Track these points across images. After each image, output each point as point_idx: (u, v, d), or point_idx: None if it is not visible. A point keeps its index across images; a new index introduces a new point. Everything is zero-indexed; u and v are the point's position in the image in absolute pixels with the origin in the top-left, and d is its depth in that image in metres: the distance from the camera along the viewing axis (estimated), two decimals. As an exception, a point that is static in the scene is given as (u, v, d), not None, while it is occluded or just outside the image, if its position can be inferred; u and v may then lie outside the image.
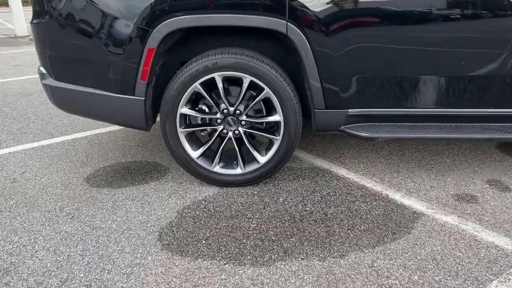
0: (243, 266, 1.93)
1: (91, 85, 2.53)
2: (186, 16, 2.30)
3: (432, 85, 2.41)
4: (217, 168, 2.63)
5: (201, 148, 2.60)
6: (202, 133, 2.68)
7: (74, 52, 2.49)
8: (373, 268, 1.89)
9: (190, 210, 2.40)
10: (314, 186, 2.65)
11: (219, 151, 2.60)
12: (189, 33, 2.56)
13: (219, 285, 1.81)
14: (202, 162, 2.62)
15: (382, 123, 2.56)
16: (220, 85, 2.45)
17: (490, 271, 1.86)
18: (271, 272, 1.88)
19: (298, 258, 1.97)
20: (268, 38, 2.60)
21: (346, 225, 2.22)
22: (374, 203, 2.43)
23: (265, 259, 1.97)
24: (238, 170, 2.62)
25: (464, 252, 1.98)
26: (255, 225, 2.24)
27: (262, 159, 2.58)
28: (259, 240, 2.11)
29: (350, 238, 2.10)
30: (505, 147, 3.21)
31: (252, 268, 1.91)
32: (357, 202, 2.44)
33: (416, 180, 2.70)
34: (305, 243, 2.07)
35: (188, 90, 2.45)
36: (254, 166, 2.61)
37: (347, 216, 2.30)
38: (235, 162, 2.67)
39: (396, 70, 2.39)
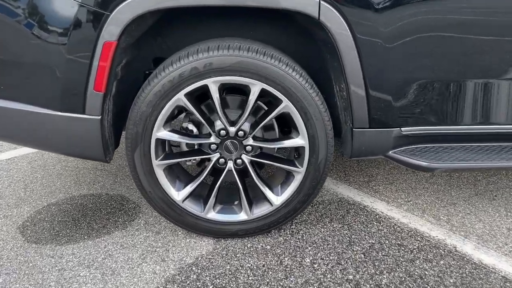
0: None
1: (21, 98, 1.65)
2: (164, -9, 1.46)
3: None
4: (212, 214, 1.82)
5: (188, 187, 1.78)
6: (188, 163, 1.86)
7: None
8: None
9: (176, 286, 1.60)
10: (349, 233, 1.89)
11: (215, 190, 1.79)
12: (166, 17, 1.71)
13: None
14: (190, 206, 1.80)
15: (444, 144, 1.82)
16: (216, 96, 1.63)
17: None
18: None
19: None
20: (278, 24, 1.79)
21: (415, 308, 1.48)
22: (441, 262, 1.69)
23: None
24: (242, 216, 1.82)
25: None
26: (278, 313, 1.47)
27: (277, 199, 1.79)
28: None
29: (431, 338, 1.36)
30: None
31: None
32: (417, 262, 1.70)
33: (483, 218, 1.98)
34: None
35: (168, 105, 1.62)
36: (265, 209, 1.81)
37: (411, 289, 1.56)
38: (236, 202, 1.87)
39: (482, 71, 1.64)
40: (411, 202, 2.12)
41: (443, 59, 1.61)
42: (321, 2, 1.50)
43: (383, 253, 1.75)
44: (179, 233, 1.91)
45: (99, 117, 1.63)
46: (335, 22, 1.53)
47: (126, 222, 2.01)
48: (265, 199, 1.81)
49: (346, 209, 2.07)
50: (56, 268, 1.70)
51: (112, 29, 1.50)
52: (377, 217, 2.00)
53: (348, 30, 1.54)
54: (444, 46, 1.59)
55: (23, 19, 1.51)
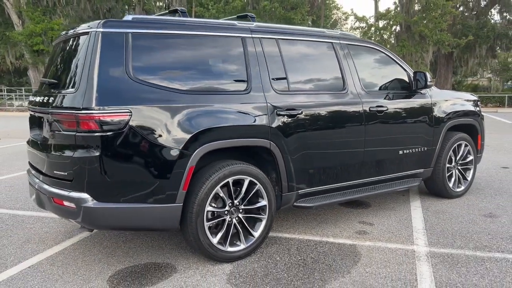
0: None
1: (139, 200, 3.10)
2: (218, 142, 3.37)
3: (341, 168, 4.18)
4: (229, 248, 3.53)
5: (219, 235, 3.47)
6: (209, 224, 3.53)
7: (129, 176, 3.09)
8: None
9: (239, 279, 3.22)
10: (282, 248, 3.87)
11: (230, 235, 3.53)
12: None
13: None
14: (219, 246, 3.47)
15: (319, 196, 4.12)
16: (231, 186, 3.48)
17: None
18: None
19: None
20: (240, 151, 3.80)
21: (330, 259, 3.59)
22: (327, 246, 3.88)
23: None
24: (242, 246, 3.59)
25: (393, 257, 3.70)
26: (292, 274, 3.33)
27: (257, 234, 3.66)
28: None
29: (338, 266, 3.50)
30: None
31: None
32: (318, 248, 3.83)
33: (329, 227, 4.30)
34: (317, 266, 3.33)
35: (213, 193, 3.39)
36: (250, 241, 3.64)
37: (324, 255, 3.67)
38: (234, 241, 3.62)
39: (332, 163, 4.08)
40: (296, 227, 4.27)
41: (313, 160, 3.95)
42: (270, 142, 3.64)
43: (302, 251, 3.80)
44: (206, 270, 3.49)
45: (182, 204, 3.24)
46: (275, 149, 3.68)
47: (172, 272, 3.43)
48: (251, 234, 3.64)
49: (273, 240, 4.05)
50: (164, 293, 3.05)
51: (194, 159, 3.23)
52: (289, 239, 4.06)
53: (280, 152, 3.71)
54: (312, 156, 3.93)
55: (157, 159, 3.09)
